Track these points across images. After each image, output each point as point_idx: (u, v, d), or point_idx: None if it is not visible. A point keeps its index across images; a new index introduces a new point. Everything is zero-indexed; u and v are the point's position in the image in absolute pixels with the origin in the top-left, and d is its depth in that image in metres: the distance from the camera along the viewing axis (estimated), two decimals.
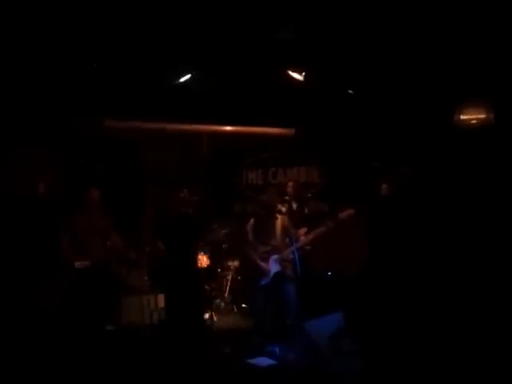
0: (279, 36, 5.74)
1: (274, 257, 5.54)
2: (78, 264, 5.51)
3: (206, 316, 6.59)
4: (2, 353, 5.01)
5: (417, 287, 5.65)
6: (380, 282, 5.83)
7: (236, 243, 7.31)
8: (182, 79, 6.63)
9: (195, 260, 6.38)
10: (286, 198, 6.37)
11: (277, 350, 5.06)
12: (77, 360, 4.97)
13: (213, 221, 6.98)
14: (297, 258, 5.32)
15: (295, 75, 6.51)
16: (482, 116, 6.74)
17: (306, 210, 6.74)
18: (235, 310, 7.43)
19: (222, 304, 7.49)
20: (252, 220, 5.78)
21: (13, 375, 4.58)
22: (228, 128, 8.10)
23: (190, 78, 6.62)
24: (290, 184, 6.78)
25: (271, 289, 5.49)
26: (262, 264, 5.50)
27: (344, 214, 5.51)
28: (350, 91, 7.05)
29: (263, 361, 4.91)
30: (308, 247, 5.89)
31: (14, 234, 6.43)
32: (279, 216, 5.64)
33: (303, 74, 6.48)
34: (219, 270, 7.55)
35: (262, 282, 5.51)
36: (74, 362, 4.91)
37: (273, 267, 5.51)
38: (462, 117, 6.81)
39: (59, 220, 6.01)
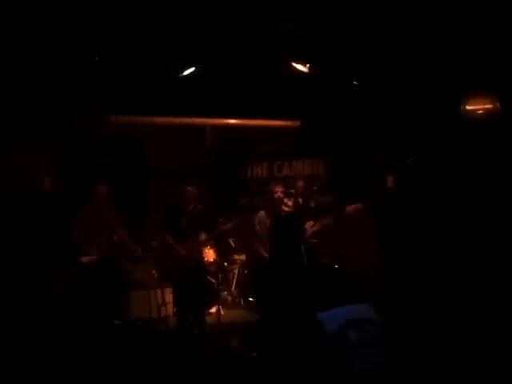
0: (282, 29, 5.71)
1: None
2: (85, 259, 5.54)
3: (213, 310, 6.62)
4: (9, 344, 5.03)
5: (424, 280, 5.64)
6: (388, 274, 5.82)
7: (243, 237, 7.32)
8: (186, 72, 6.60)
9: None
10: (292, 191, 6.34)
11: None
12: (85, 354, 4.99)
13: (219, 214, 6.95)
14: (303, 250, 5.31)
15: (300, 67, 6.47)
16: (489, 106, 6.68)
17: (312, 203, 6.71)
18: (242, 303, 7.43)
19: (229, 298, 7.50)
20: (261, 212, 5.78)
21: (19, 367, 4.59)
22: (232, 121, 8.07)
23: (194, 71, 6.58)
24: (300, 185, 6.69)
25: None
26: (267, 256, 5.51)
27: (352, 208, 5.51)
28: (355, 82, 7.01)
29: None
30: (314, 240, 5.88)
31: (23, 228, 6.45)
32: (285, 209, 5.62)
33: (307, 65, 6.44)
34: (226, 263, 7.55)
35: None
36: (82, 356, 4.93)
37: None
38: (468, 107, 6.75)
39: (68, 214, 6.03)
